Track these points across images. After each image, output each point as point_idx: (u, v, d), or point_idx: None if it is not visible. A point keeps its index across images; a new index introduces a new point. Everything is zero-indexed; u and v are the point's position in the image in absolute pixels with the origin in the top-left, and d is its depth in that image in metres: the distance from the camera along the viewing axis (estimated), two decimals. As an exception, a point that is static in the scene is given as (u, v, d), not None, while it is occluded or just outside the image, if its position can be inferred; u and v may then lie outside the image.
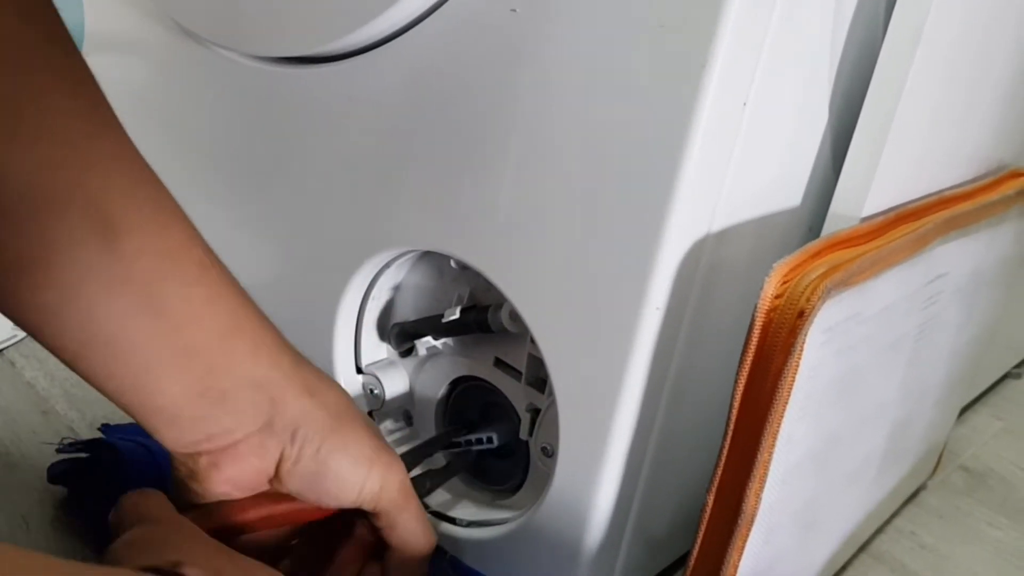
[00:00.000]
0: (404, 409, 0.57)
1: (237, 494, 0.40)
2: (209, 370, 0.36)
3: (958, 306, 0.53)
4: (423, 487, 0.49)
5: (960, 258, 0.50)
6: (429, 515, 0.52)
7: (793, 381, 0.37)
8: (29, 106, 0.31)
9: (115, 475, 0.50)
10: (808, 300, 0.36)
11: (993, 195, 0.51)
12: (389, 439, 0.56)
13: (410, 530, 0.42)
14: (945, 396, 0.59)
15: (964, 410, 0.82)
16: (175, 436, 0.37)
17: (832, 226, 0.45)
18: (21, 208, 0.31)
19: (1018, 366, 0.90)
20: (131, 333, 0.34)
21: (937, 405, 0.58)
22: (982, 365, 0.77)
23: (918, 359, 0.50)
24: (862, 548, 0.61)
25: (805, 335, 0.36)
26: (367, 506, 0.41)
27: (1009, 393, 0.88)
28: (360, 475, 0.40)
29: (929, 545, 0.64)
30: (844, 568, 0.59)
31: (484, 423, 0.53)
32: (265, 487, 0.40)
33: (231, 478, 0.39)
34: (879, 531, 0.64)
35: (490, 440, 0.51)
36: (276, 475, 0.40)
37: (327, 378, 0.42)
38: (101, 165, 0.34)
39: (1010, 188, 0.54)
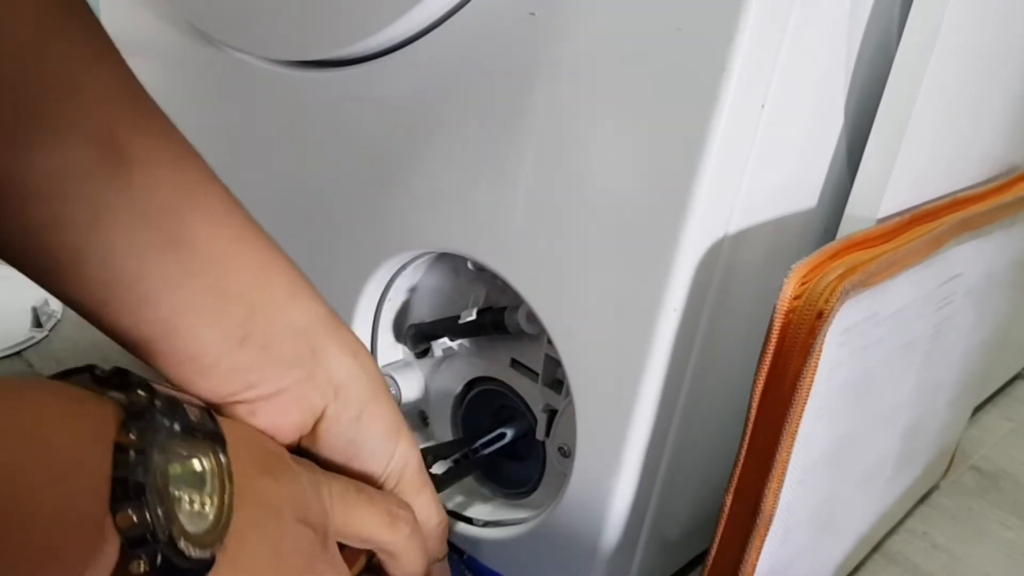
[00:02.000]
0: (420, 410, 0.57)
1: None
2: (249, 313, 0.33)
3: (971, 307, 0.53)
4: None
5: (974, 259, 0.51)
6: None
7: (812, 382, 0.37)
8: (28, 29, 0.29)
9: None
10: (827, 301, 0.36)
11: (1006, 196, 0.52)
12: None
13: (425, 512, 0.41)
14: (958, 397, 0.59)
15: (975, 411, 0.82)
16: (211, 387, 0.34)
17: (848, 227, 0.45)
18: (25, 136, 0.29)
19: (1029, 367, 0.90)
20: (158, 270, 0.31)
21: (950, 406, 0.58)
22: (993, 367, 0.77)
23: (932, 360, 0.50)
24: (875, 548, 0.62)
25: (824, 336, 0.37)
26: (389, 482, 0.39)
27: (1019, 394, 0.88)
28: (390, 448, 0.39)
29: (941, 545, 0.64)
30: (857, 568, 0.59)
31: (499, 424, 0.53)
32: (294, 443, 0.37)
33: (267, 429, 0.35)
34: (892, 531, 0.64)
35: (502, 436, 0.51)
36: (312, 432, 0.37)
37: (360, 340, 0.39)
38: (108, 95, 0.32)
39: (1023, 190, 0.54)
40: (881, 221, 0.45)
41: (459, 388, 0.54)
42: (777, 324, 0.37)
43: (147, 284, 0.31)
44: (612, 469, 0.45)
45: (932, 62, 0.42)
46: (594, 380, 0.44)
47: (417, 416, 0.57)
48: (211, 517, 0.28)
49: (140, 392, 0.28)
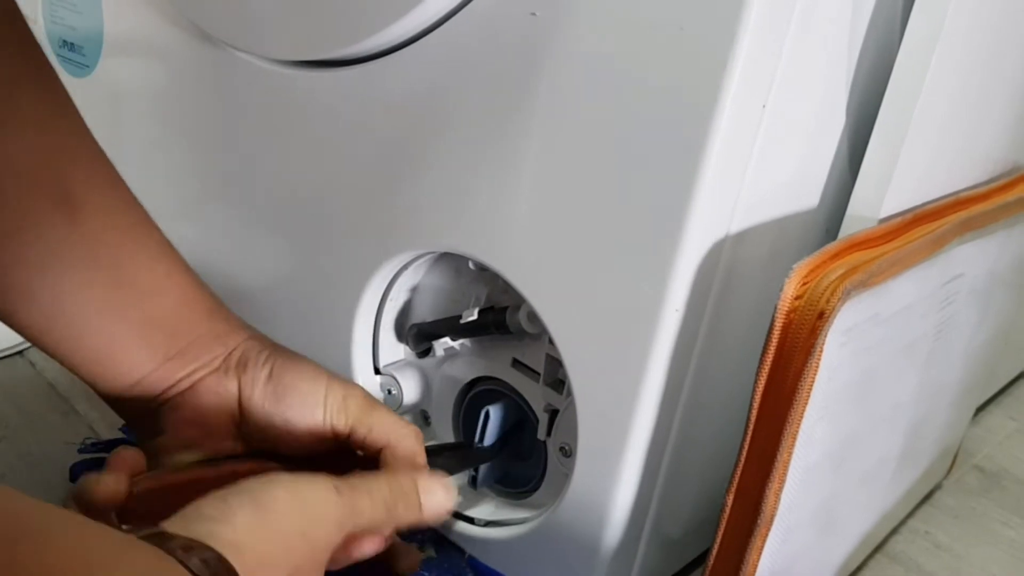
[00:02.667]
0: (422, 409, 0.57)
1: (204, 441, 0.40)
2: (172, 335, 0.39)
3: (974, 307, 0.53)
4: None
5: (976, 259, 0.51)
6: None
7: (813, 382, 0.37)
8: (1, 91, 0.34)
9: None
10: (828, 301, 0.36)
11: (1009, 196, 0.52)
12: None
13: (389, 424, 0.42)
14: (960, 397, 0.59)
15: (978, 411, 0.82)
16: (142, 391, 0.39)
17: (850, 227, 0.45)
18: None
19: (1032, 367, 0.90)
20: (98, 305, 0.37)
21: (952, 405, 0.58)
22: (997, 366, 0.77)
23: (934, 360, 0.50)
24: (878, 548, 0.62)
25: (825, 336, 0.37)
26: (338, 422, 0.41)
27: (1023, 394, 0.88)
28: (320, 388, 0.41)
29: (944, 545, 0.64)
30: (860, 568, 0.59)
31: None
32: (231, 433, 0.41)
33: (194, 418, 0.40)
34: (894, 531, 0.64)
35: (486, 416, 0.51)
36: (241, 415, 0.41)
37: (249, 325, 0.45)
38: (65, 150, 0.37)
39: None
40: (883, 221, 0.45)
41: (460, 388, 0.54)
42: (778, 324, 0.37)
43: (87, 318, 0.37)
44: (614, 468, 0.45)
45: (934, 62, 0.42)
46: (595, 380, 0.44)
47: (419, 415, 0.57)
48: None
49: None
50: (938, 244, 0.45)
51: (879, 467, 0.50)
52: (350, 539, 0.36)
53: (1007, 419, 0.82)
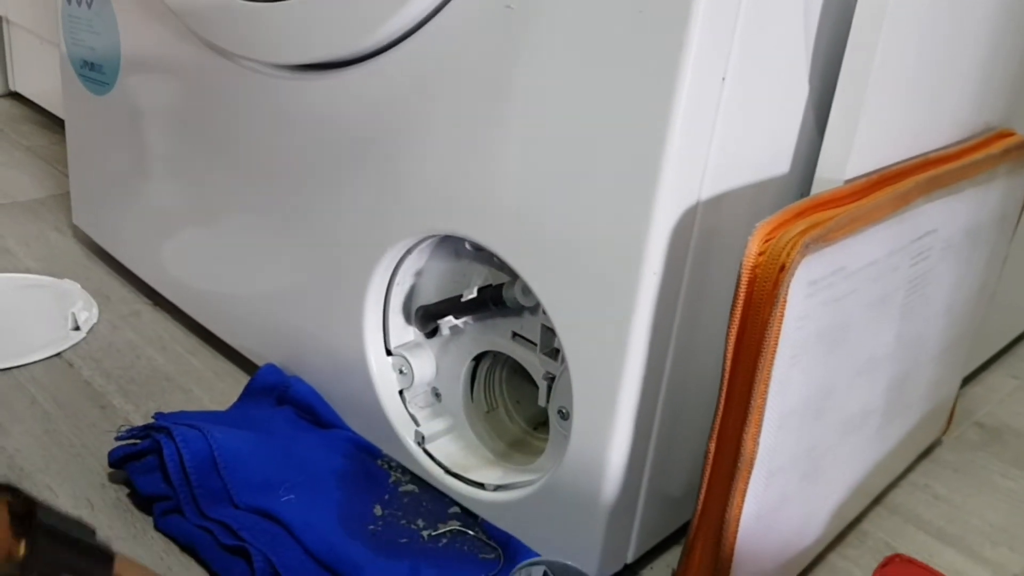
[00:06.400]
0: (432, 386, 0.60)
1: None
2: None
3: (951, 263, 0.56)
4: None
5: (948, 216, 0.53)
6: (457, 480, 0.56)
7: (780, 330, 0.40)
8: None
9: (170, 457, 0.54)
10: (788, 255, 0.39)
11: (977, 155, 0.54)
12: (420, 414, 0.60)
13: None
14: (946, 352, 0.61)
15: (980, 370, 0.84)
16: None
17: (818, 189, 0.48)
18: None
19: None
20: None
21: (939, 360, 0.60)
22: (997, 326, 0.79)
23: (912, 313, 0.53)
24: (877, 501, 0.64)
25: (787, 287, 0.40)
26: None
27: (1025, 353, 0.90)
28: None
29: (943, 496, 0.66)
30: (859, 519, 0.62)
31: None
32: None
33: None
34: (894, 485, 0.66)
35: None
36: None
37: None
38: None
39: (995, 148, 0.56)
40: (849, 182, 0.47)
41: (467, 363, 0.58)
42: (744, 278, 0.40)
43: None
44: (607, 427, 0.48)
45: (887, 22, 0.45)
46: (585, 344, 0.47)
47: (431, 392, 0.61)
48: None
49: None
50: (903, 201, 0.48)
51: (863, 419, 0.52)
52: None
53: (1008, 377, 0.84)
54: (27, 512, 0.32)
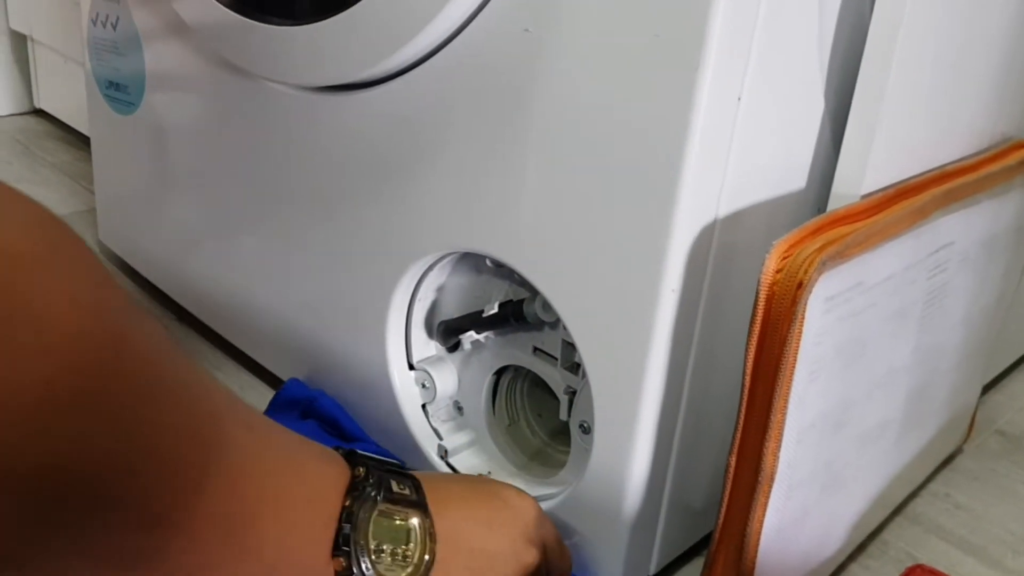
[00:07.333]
0: (455, 400, 0.61)
1: None
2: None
3: (969, 274, 0.56)
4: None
5: (965, 228, 0.53)
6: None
7: (798, 347, 0.41)
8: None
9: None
10: (806, 272, 0.40)
11: (993, 167, 0.54)
12: (443, 427, 0.61)
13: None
14: (965, 362, 0.61)
15: (1001, 377, 0.84)
16: None
17: (835, 205, 0.49)
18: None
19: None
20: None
21: (958, 370, 0.61)
22: (1017, 333, 0.79)
23: (930, 325, 0.53)
24: (897, 511, 0.64)
25: (805, 304, 0.40)
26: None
27: (1047, 360, 0.89)
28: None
29: (964, 505, 0.66)
30: (879, 529, 0.62)
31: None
32: None
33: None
34: (915, 494, 0.66)
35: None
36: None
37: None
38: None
39: (1012, 159, 0.57)
40: (866, 197, 0.48)
41: (489, 377, 0.58)
42: (762, 296, 0.41)
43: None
44: (628, 441, 0.48)
45: (902, 36, 0.45)
46: (605, 359, 0.48)
47: (452, 406, 0.62)
48: (413, 563, 0.38)
49: (360, 468, 0.39)
50: (920, 215, 0.48)
51: (882, 430, 0.53)
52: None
53: (1029, 384, 0.84)
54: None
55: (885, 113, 0.47)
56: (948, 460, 0.71)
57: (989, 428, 0.76)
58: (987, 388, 0.80)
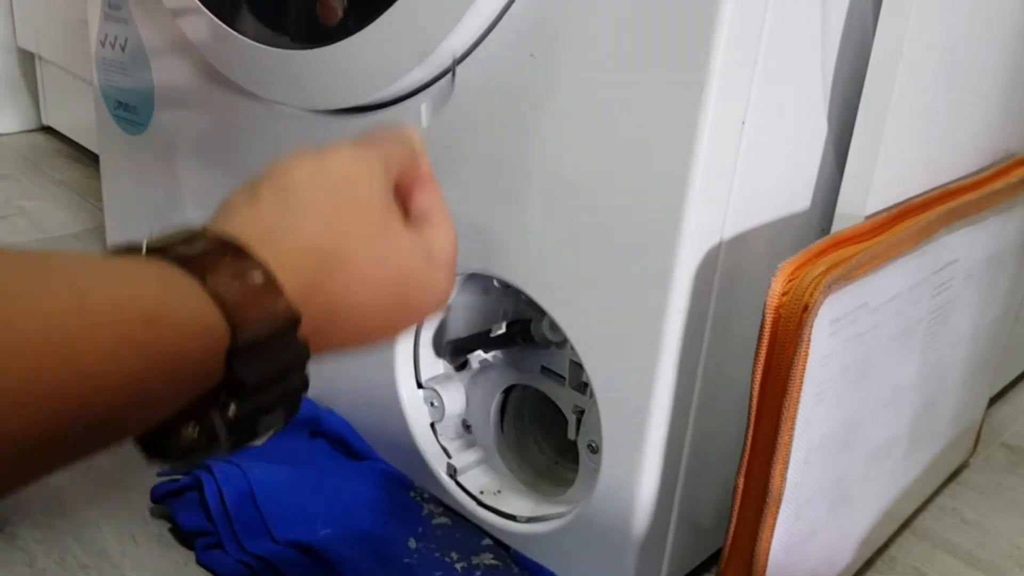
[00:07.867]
0: (463, 418, 0.62)
1: None
2: None
3: (974, 292, 0.56)
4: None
5: (970, 246, 0.54)
6: (490, 512, 0.57)
7: (804, 369, 0.41)
8: None
9: (211, 494, 0.56)
10: (811, 295, 0.40)
11: (997, 184, 0.55)
12: (452, 446, 0.61)
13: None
14: (971, 378, 0.62)
15: (1006, 390, 0.84)
16: None
17: (839, 225, 0.49)
18: None
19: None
20: None
21: (964, 387, 0.61)
22: (1023, 345, 0.79)
23: (936, 344, 0.53)
24: (904, 526, 0.64)
25: (811, 327, 0.41)
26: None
27: (1053, 371, 0.89)
28: None
29: (971, 520, 0.66)
30: (887, 545, 0.62)
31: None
32: None
33: None
34: (921, 509, 0.67)
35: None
36: None
37: None
38: None
39: (1016, 176, 0.57)
40: (870, 217, 0.48)
41: (497, 395, 0.59)
42: (769, 319, 0.41)
43: None
44: (637, 461, 0.49)
45: (904, 58, 0.46)
46: (613, 379, 0.48)
47: (460, 424, 0.62)
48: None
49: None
50: (924, 234, 0.48)
51: (889, 447, 0.53)
52: (400, 190, 0.37)
53: (1036, 397, 0.84)
54: None
55: (888, 134, 0.47)
56: (955, 474, 0.71)
57: (995, 441, 0.76)
58: (993, 400, 0.80)
